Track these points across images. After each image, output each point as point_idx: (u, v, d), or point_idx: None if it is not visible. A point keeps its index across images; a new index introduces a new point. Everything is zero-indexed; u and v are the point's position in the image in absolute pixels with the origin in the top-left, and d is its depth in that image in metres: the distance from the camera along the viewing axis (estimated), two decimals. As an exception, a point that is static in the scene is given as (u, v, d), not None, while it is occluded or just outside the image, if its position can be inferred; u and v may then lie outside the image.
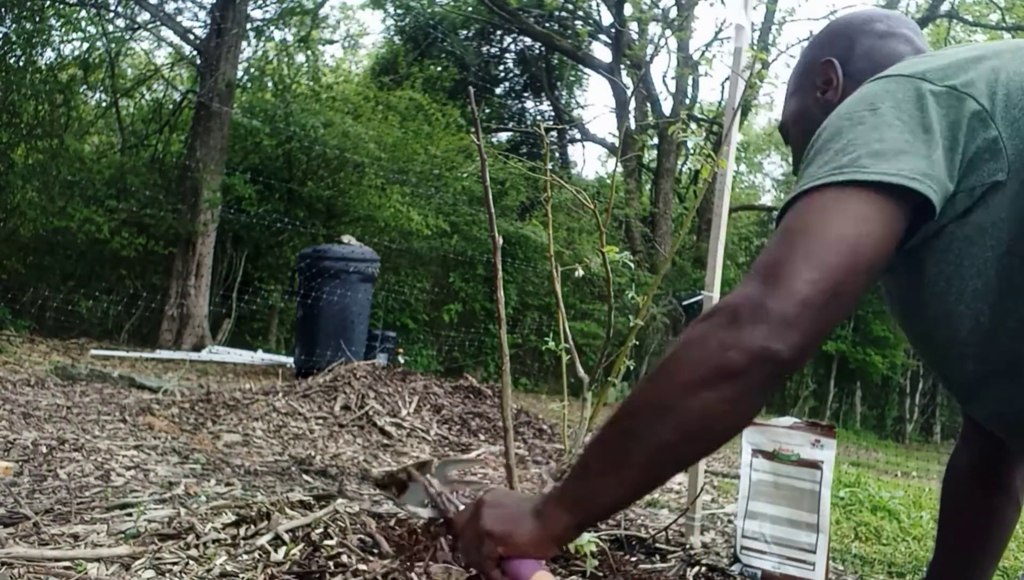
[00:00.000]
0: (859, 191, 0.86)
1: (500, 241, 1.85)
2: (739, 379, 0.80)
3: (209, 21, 11.51)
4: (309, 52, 14.40)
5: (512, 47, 18.56)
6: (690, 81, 15.60)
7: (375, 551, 2.02)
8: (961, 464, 1.40)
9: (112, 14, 11.88)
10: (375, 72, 17.28)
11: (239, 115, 11.53)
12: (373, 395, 5.02)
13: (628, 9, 14.66)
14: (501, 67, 18.90)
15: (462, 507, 1.13)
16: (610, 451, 0.88)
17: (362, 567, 1.88)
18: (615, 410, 0.90)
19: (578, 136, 18.96)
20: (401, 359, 9.47)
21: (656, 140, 15.13)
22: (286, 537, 2.05)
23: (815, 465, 2.26)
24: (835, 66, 1.21)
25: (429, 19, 17.12)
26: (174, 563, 1.86)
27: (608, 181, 16.54)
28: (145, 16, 12.02)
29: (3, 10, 9.83)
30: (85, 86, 11.91)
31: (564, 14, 16.20)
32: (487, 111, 17.28)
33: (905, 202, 0.87)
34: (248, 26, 12.02)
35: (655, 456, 0.86)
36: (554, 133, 17.63)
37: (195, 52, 11.67)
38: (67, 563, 1.79)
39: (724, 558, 2.50)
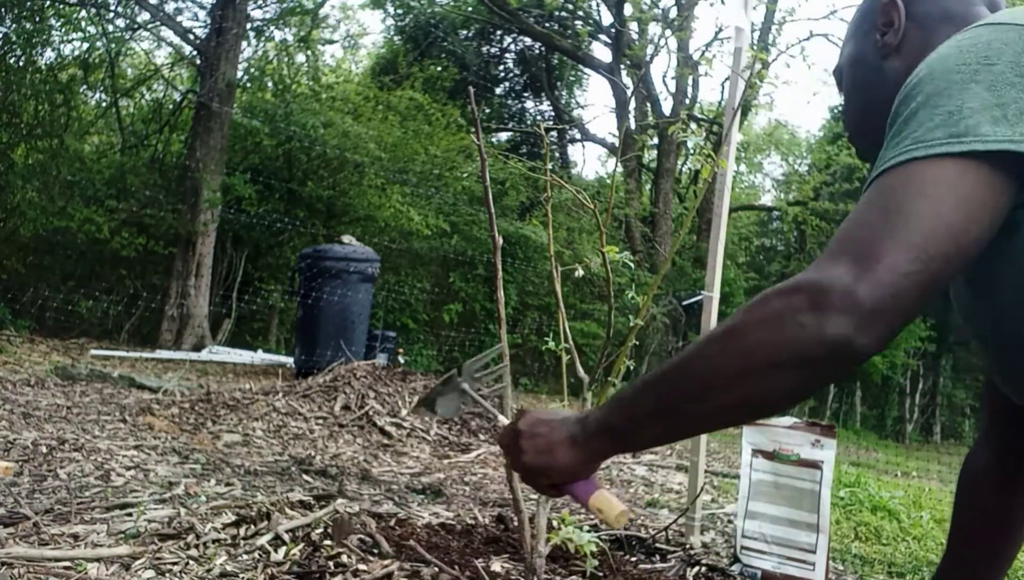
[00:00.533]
0: (973, 165, 0.78)
1: (500, 241, 1.85)
2: (812, 368, 0.76)
3: (209, 21, 11.51)
4: (309, 52, 14.41)
5: (512, 47, 18.56)
6: (690, 81, 15.60)
7: (375, 551, 2.02)
8: (979, 466, 1.36)
9: (112, 14, 11.88)
10: (375, 72, 17.28)
11: (239, 115, 11.53)
12: (373, 395, 5.02)
13: (628, 9, 14.66)
14: (501, 67, 18.89)
15: (501, 418, 1.16)
16: (662, 403, 0.88)
17: (362, 567, 1.88)
18: (673, 361, 0.89)
19: (578, 136, 18.96)
20: (401, 359, 9.46)
21: (656, 140, 15.13)
22: (286, 537, 2.05)
23: (815, 465, 2.26)
24: (899, 6, 1.11)
25: (429, 19, 17.13)
26: (174, 563, 1.86)
27: (608, 181, 16.54)
28: (145, 16, 12.02)
29: (3, 10, 9.82)
30: (85, 86, 11.90)
31: (564, 14, 16.19)
32: (487, 111, 17.28)
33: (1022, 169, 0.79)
34: (248, 26, 12.01)
35: (705, 420, 0.87)
36: (554, 133, 17.62)
37: (195, 52, 11.67)
38: (67, 563, 1.79)
39: (724, 558, 2.50)
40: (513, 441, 1.01)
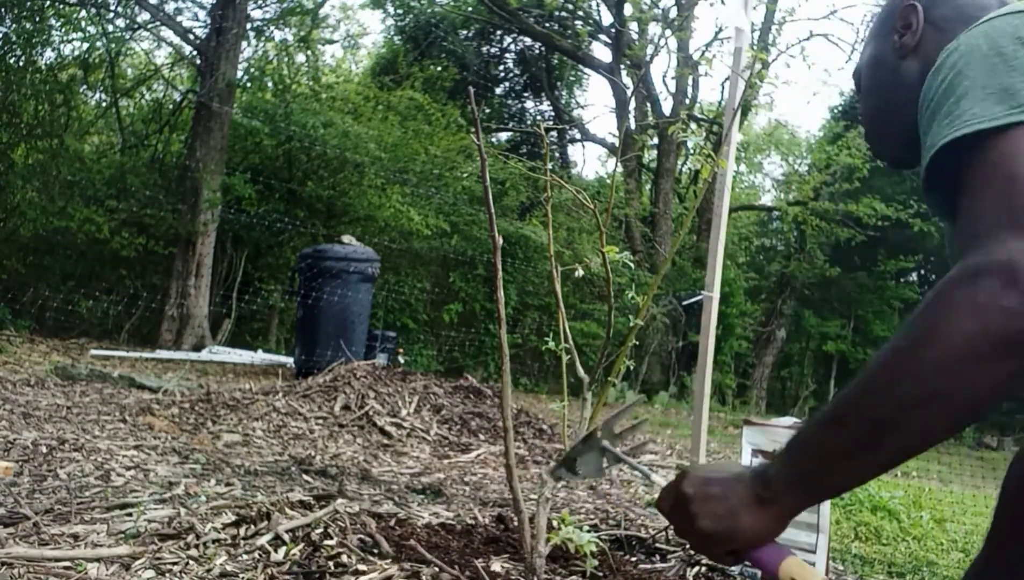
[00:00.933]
0: None
1: (500, 241, 1.85)
2: None
3: (209, 21, 11.51)
4: (309, 52, 14.40)
5: (512, 47, 18.56)
6: (690, 81, 15.60)
7: (375, 551, 2.02)
8: None
9: (112, 14, 11.87)
10: (375, 72, 17.28)
11: (239, 115, 11.52)
12: (373, 395, 5.02)
13: (628, 9, 14.66)
14: (501, 67, 18.90)
15: (658, 479, 1.04)
16: (858, 436, 0.79)
17: (362, 567, 1.88)
18: (853, 391, 0.81)
19: (578, 136, 18.96)
20: (401, 359, 9.46)
21: (656, 140, 15.13)
22: (286, 537, 2.05)
23: (815, 465, 2.25)
24: (917, 10, 1.16)
25: (429, 19, 17.13)
26: (174, 563, 1.86)
27: (608, 181, 16.54)
28: (145, 16, 12.01)
29: (3, 10, 9.82)
30: (85, 86, 11.90)
31: (564, 14, 16.19)
32: (487, 111, 17.28)
33: None
34: (248, 26, 12.00)
35: (915, 441, 0.78)
36: (554, 133, 17.63)
37: (195, 52, 11.66)
38: (67, 563, 1.79)
39: (724, 558, 2.49)
40: (680, 506, 0.91)
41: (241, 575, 1.82)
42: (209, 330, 10.69)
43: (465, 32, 17.73)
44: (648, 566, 2.31)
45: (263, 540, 2.02)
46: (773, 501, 0.85)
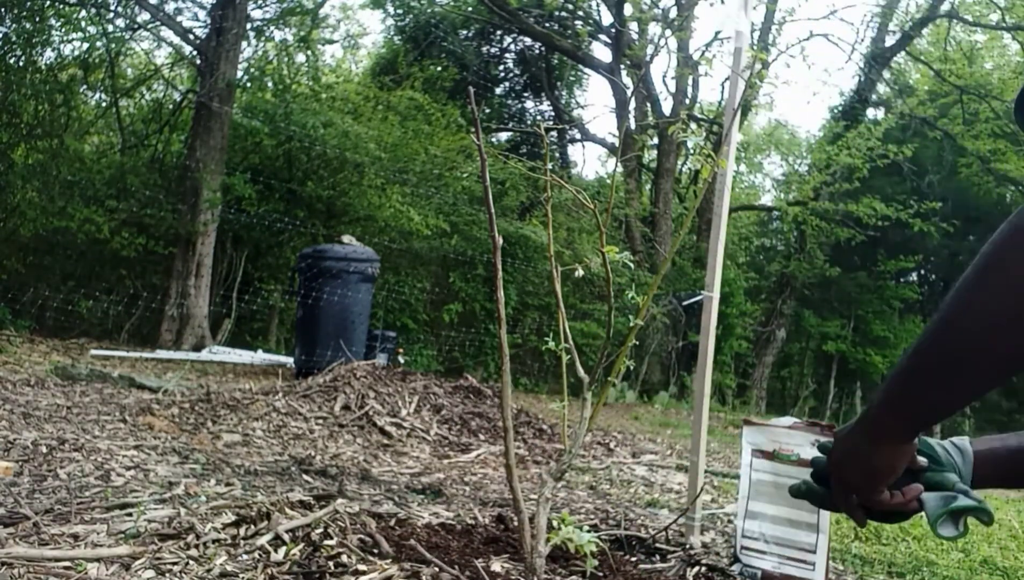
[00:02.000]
0: None
1: (500, 241, 1.85)
2: None
3: (209, 21, 11.51)
4: (309, 52, 14.39)
5: (512, 47, 18.55)
6: (690, 81, 15.59)
7: (375, 551, 2.02)
8: None
9: (112, 14, 11.88)
10: (375, 72, 17.28)
11: (239, 115, 11.52)
12: (373, 395, 5.02)
13: (628, 9, 14.66)
14: (501, 67, 18.89)
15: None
16: (947, 364, 0.80)
17: (362, 567, 1.88)
18: (933, 324, 0.81)
19: (578, 136, 18.95)
20: (401, 359, 9.46)
21: (656, 140, 15.12)
22: (286, 537, 2.05)
23: (815, 465, 2.25)
24: None
25: (429, 19, 17.12)
26: (174, 563, 1.86)
27: (608, 181, 16.54)
28: (145, 16, 12.02)
29: (3, 10, 9.82)
30: (85, 86, 11.90)
31: (564, 14, 16.19)
32: (487, 111, 17.27)
33: None
34: (248, 26, 12.00)
35: (986, 378, 0.79)
36: (554, 133, 17.62)
37: (195, 52, 11.66)
38: (67, 563, 1.79)
39: (724, 558, 2.50)
40: (837, 471, 0.97)
41: (241, 575, 1.82)
42: (209, 330, 10.68)
43: (465, 32, 17.72)
44: (648, 566, 2.32)
45: (263, 540, 2.02)
46: (883, 435, 0.89)
